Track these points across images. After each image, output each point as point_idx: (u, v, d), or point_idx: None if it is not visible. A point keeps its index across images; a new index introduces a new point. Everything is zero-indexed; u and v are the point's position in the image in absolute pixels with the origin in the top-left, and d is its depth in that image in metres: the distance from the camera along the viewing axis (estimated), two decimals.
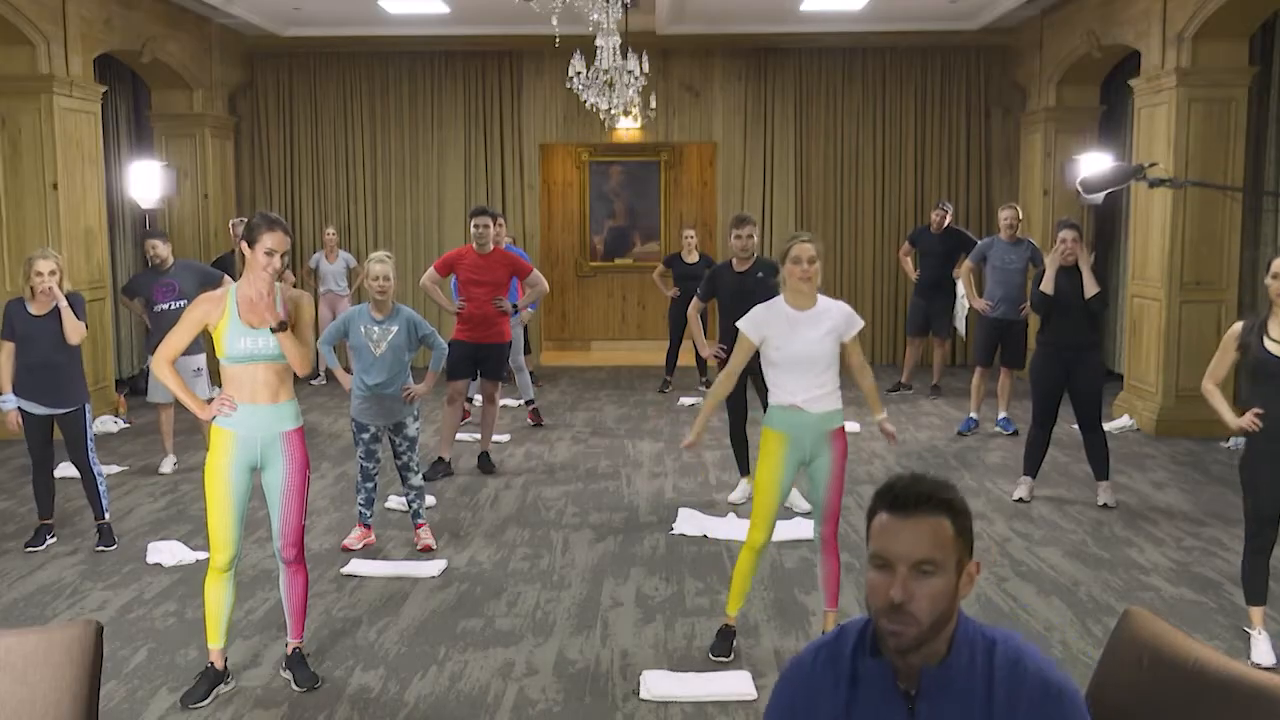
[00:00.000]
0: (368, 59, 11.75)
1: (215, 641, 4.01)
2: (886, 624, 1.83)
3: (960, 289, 9.11)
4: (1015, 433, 8.17)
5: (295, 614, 4.11)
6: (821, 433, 4.17)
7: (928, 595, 1.81)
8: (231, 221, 10.33)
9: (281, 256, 3.85)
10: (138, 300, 7.37)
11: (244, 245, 3.87)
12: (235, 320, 3.82)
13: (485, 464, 7.29)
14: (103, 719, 3.56)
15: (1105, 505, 6.28)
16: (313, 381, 10.67)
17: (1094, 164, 9.59)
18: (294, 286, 10.60)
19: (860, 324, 4.30)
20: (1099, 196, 5.57)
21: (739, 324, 4.27)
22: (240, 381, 3.85)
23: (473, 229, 7.12)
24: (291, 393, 3.98)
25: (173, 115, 10.69)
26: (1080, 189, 4.23)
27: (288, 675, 4.08)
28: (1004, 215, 8.42)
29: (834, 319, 4.21)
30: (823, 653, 1.96)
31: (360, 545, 5.63)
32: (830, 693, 1.91)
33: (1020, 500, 6.39)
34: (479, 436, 7.53)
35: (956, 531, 1.85)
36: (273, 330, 3.79)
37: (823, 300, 4.25)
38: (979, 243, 8.77)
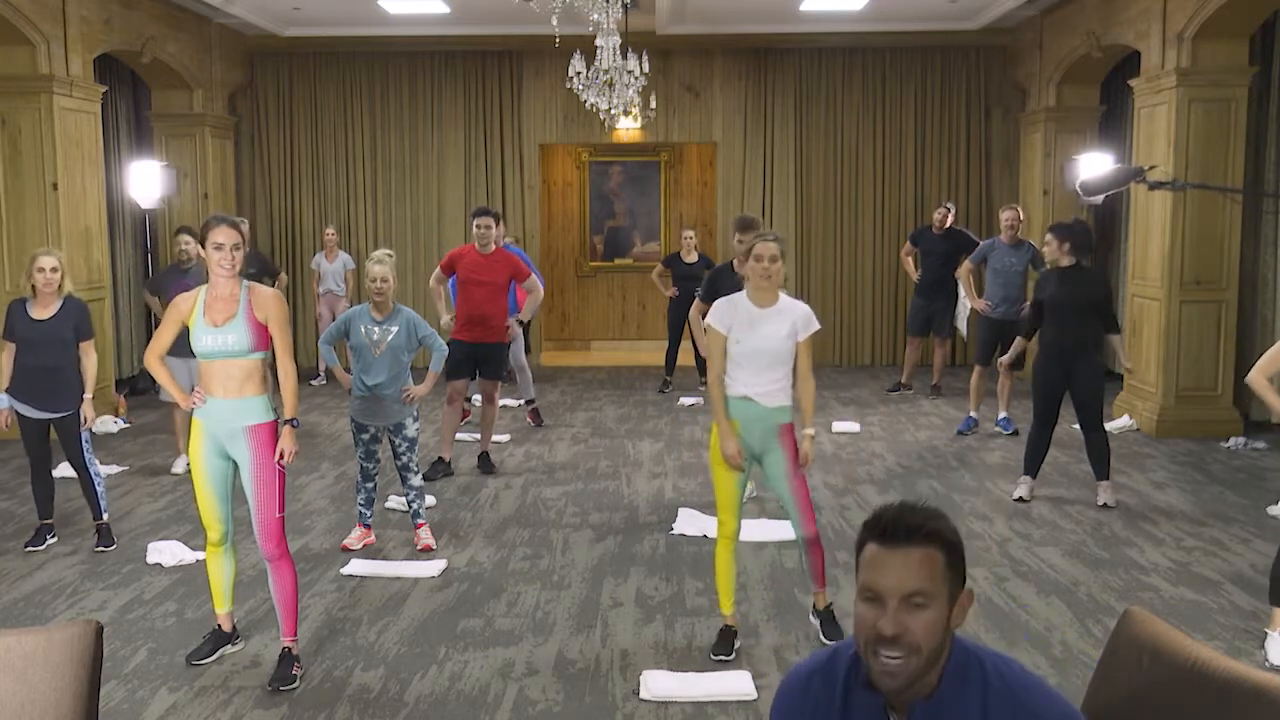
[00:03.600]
0: (368, 59, 11.74)
1: (221, 606, 4.28)
2: (880, 659, 1.79)
3: (961, 289, 9.12)
4: (1015, 433, 8.17)
5: (284, 611, 4.13)
6: (771, 426, 4.26)
7: (921, 627, 1.77)
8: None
9: (235, 250, 3.96)
10: (158, 298, 7.36)
11: (201, 248, 4.04)
12: (200, 318, 3.99)
13: (485, 464, 7.29)
14: (103, 719, 3.56)
15: (1105, 505, 6.28)
16: (313, 382, 10.68)
17: (1094, 164, 9.59)
18: (285, 285, 10.62)
19: (817, 326, 4.31)
20: (1099, 198, 5.59)
21: (707, 320, 4.33)
22: (208, 375, 4.04)
23: (475, 229, 7.10)
24: (261, 389, 4.06)
25: (173, 115, 10.69)
26: (1080, 191, 4.24)
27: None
28: (1005, 216, 8.43)
29: (793, 318, 4.27)
30: (816, 679, 1.94)
31: (360, 545, 5.63)
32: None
33: (1020, 500, 6.39)
34: (479, 436, 7.53)
35: (948, 563, 1.81)
36: (288, 423, 4.09)
37: (784, 299, 4.32)
38: (980, 244, 8.77)
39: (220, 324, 3.96)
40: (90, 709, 2.32)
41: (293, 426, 4.11)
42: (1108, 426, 8.33)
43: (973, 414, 8.40)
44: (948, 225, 9.62)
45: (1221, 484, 6.85)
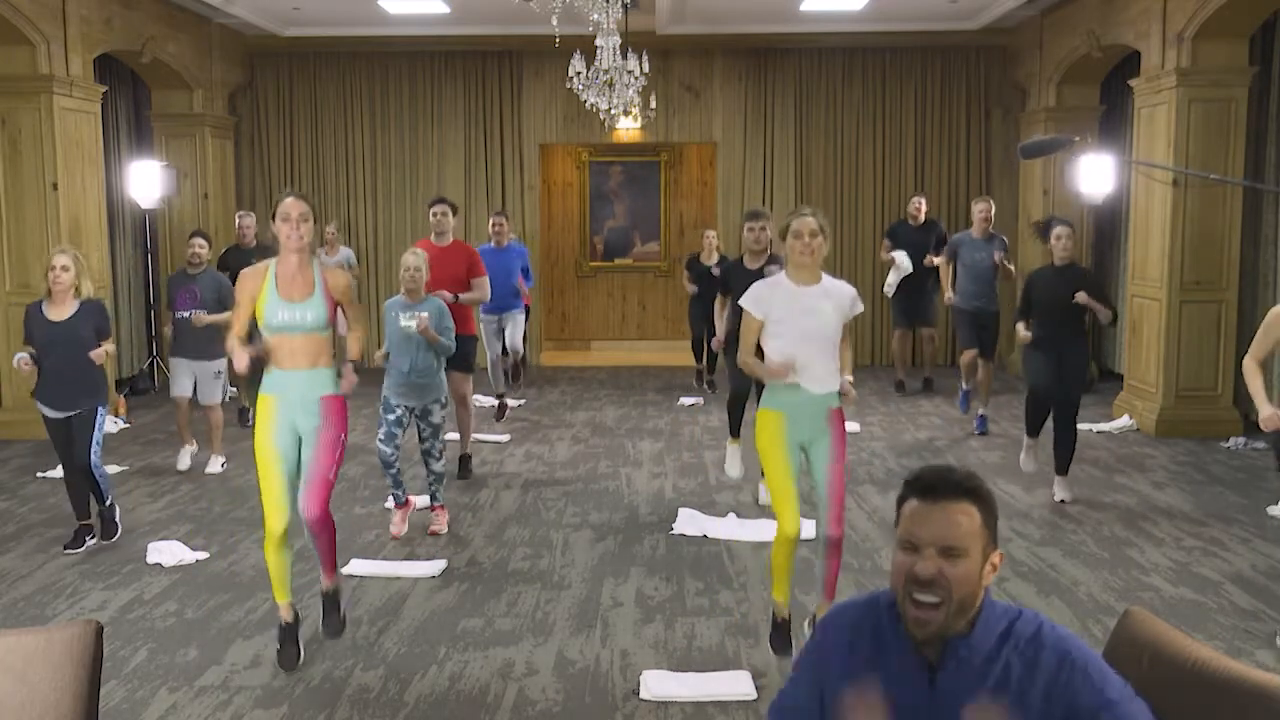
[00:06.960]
0: (368, 59, 11.75)
1: (283, 597, 4.20)
2: (913, 601, 1.90)
3: (895, 270, 9.39)
4: (985, 433, 8.28)
5: (326, 559, 4.27)
6: (819, 411, 4.12)
7: (955, 575, 1.89)
8: (238, 214, 10.19)
9: (302, 222, 4.04)
10: (171, 313, 7.27)
11: (274, 225, 4.12)
12: (273, 293, 4.06)
13: (464, 469, 7.05)
14: (103, 719, 3.56)
15: (1062, 501, 6.32)
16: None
17: (1094, 164, 9.58)
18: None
19: (861, 308, 4.24)
20: (1038, 160, 5.52)
21: (741, 301, 4.21)
22: (279, 348, 4.09)
23: (431, 218, 6.90)
24: (331, 360, 4.18)
25: (173, 115, 10.68)
26: (1020, 154, 4.31)
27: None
28: (979, 209, 8.43)
29: (837, 298, 4.15)
30: (857, 610, 2.07)
31: (406, 526, 5.87)
32: (858, 651, 2.01)
33: (1063, 501, 6.34)
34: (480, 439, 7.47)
35: (983, 521, 1.95)
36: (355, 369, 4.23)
37: (827, 278, 4.19)
38: (951, 238, 8.83)
39: (298, 300, 4.04)
40: (90, 709, 2.32)
41: (355, 368, 4.24)
42: (1107, 426, 8.39)
43: (982, 411, 8.39)
44: (923, 217, 9.78)
45: (1221, 484, 6.85)
